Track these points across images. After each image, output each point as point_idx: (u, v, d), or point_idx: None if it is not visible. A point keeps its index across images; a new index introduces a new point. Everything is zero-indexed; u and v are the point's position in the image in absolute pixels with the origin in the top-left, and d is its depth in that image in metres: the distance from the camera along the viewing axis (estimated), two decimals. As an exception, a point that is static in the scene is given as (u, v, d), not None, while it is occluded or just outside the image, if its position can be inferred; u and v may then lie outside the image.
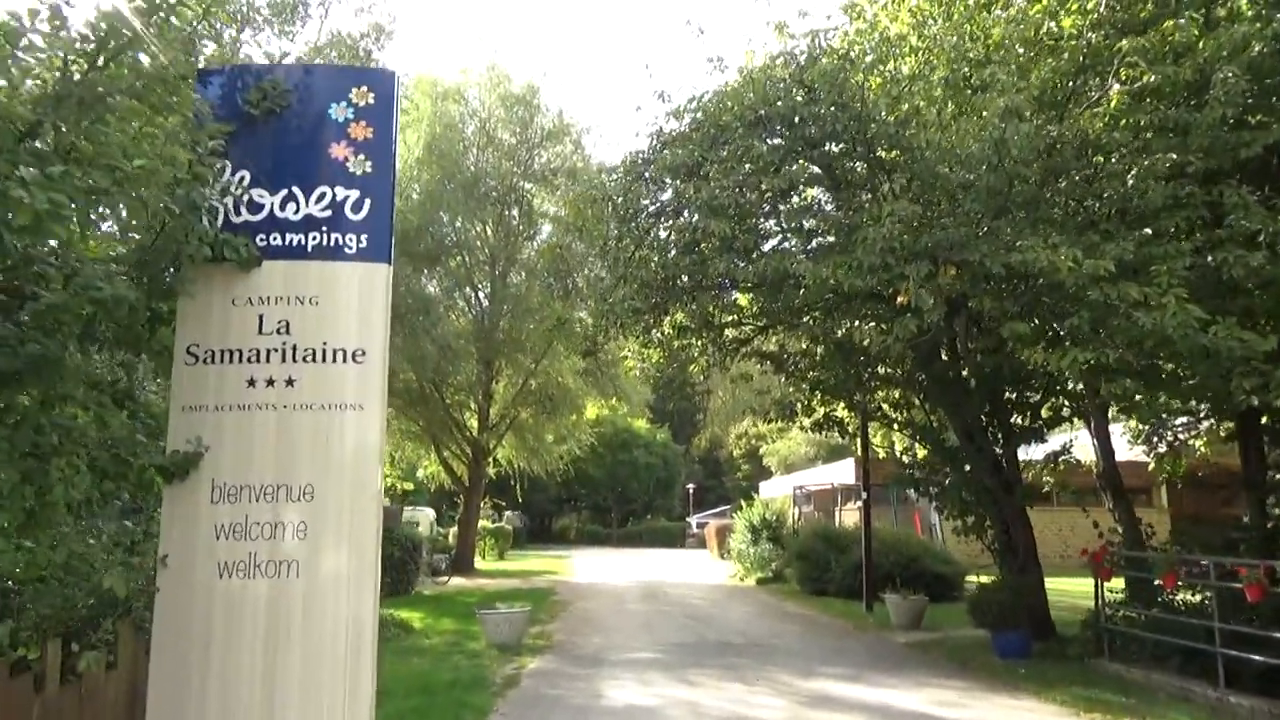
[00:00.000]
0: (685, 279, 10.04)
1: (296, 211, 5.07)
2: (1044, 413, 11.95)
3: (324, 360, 4.93)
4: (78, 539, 4.23)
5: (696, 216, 9.15)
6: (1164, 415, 19.32)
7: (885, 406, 13.75)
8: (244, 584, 4.69)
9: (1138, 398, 8.76)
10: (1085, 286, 7.70)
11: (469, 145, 30.91)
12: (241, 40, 21.05)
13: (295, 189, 5.09)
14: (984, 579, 12.11)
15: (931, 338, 9.74)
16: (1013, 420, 11.72)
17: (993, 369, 10.59)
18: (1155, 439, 20.55)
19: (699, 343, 12.94)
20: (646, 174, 10.19)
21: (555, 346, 31.17)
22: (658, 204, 10.21)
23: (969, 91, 9.21)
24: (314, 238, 5.05)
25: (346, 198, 5.11)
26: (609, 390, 32.87)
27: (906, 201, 8.33)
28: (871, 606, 16.90)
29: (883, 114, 8.98)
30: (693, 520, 57.72)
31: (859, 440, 16.50)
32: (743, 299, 12.60)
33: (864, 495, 17.76)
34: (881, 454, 26.27)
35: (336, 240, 5.07)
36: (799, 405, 13.88)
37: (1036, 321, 8.53)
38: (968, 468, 11.93)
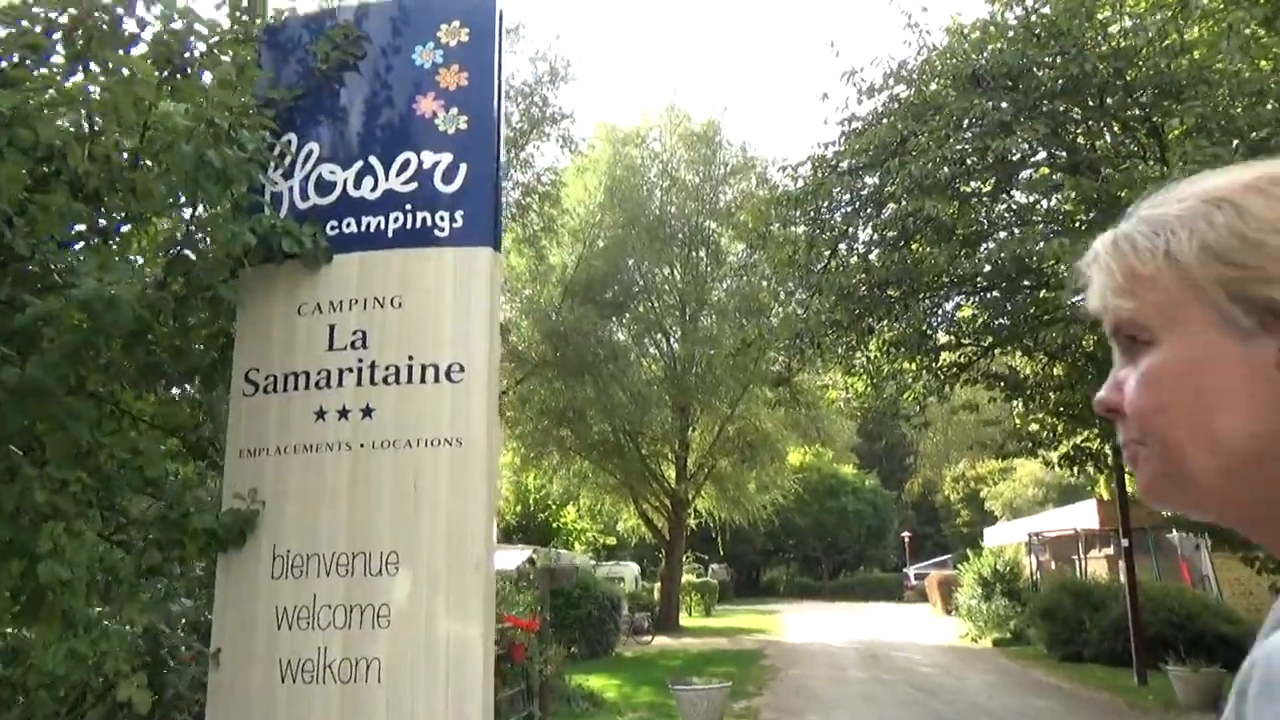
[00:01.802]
0: (893, 286, 8.29)
1: (374, 188, 3.87)
2: None
3: (408, 380, 3.65)
4: (94, 633, 3.09)
5: (904, 201, 7.40)
6: None
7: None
8: (310, 691, 3.43)
9: None
10: None
11: (652, 188, 30.31)
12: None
13: (372, 159, 3.90)
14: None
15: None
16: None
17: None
18: None
19: (912, 366, 11.01)
20: (839, 165, 8.56)
21: (752, 390, 29.71)
22: (855, 198, 8.52)
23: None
24: (395, 219, 3.82)
25: (436, 164, 3.85)
26: (811, 433, 30.85)
27: (1194, 146, 6.24)
28: (1145, 677, 13.98)
29: (1149, 45, 6.94)
30: (910, 571, 53.78)
31: (1115, 474, 13.80)
32: (965, 310, 10.62)
33: (1125, 541, 14.89)
34: (1132, 493, 22.73)
35: (424, 220, 3.81)
36: (1043, 435, 11.57)
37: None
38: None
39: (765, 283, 15.70)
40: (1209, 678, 11.82)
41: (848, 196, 8.52)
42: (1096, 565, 26.15)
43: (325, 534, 3.56)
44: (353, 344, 3.71)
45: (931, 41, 8.73)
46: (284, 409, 3.73)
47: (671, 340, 30.16)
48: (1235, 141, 6.41)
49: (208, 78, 3.66)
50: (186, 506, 3.65)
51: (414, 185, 3.84)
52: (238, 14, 3.90)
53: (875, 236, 8.42)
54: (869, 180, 8.61)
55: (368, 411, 3.60)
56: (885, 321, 9.66)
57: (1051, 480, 52.29)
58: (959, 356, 12.44)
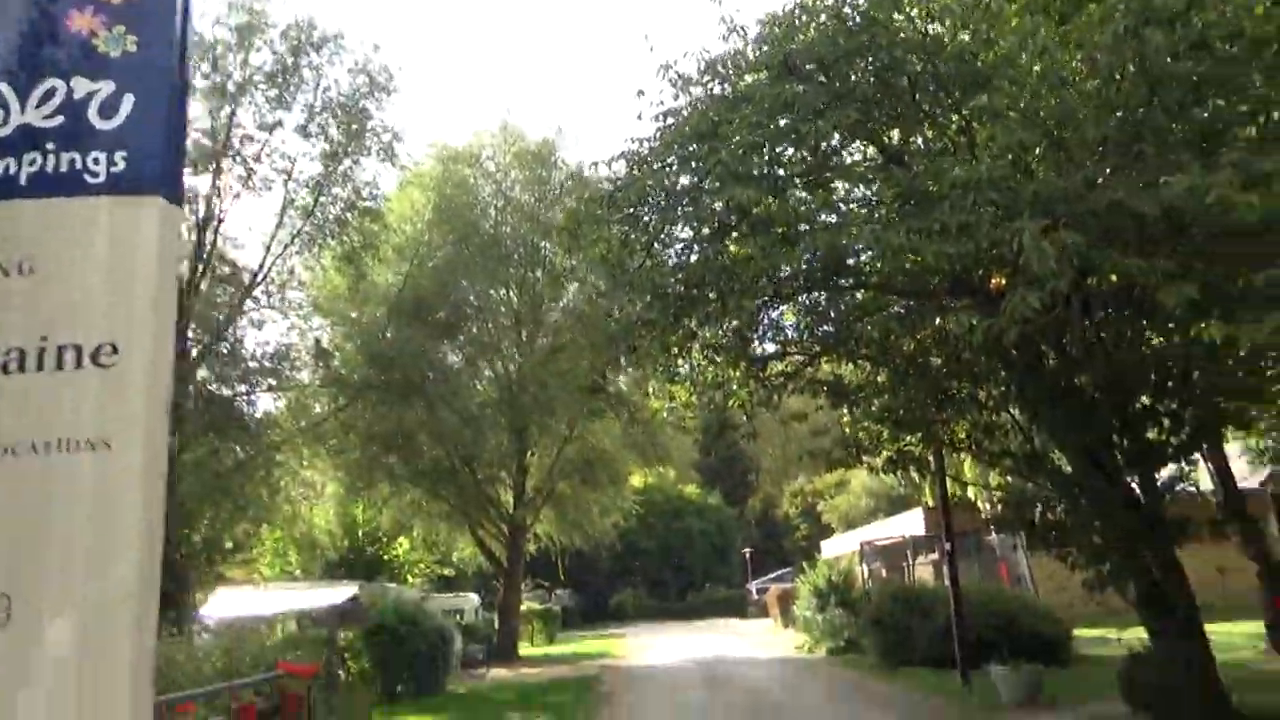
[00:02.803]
0: (710, 286, 7.87)
1: (4, 122, 2.95)
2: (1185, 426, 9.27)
3: (37, 366, 2.74)
4: None
5: (718, 191, 6.96)
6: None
7: (971, 435, 11.22)
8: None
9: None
10: (1281, 222, 5.42)
11: (485, 207, 29.48)
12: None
13: (1, 86, 2.98)
14: (1109, 634, 9.42)
15: (1038, 332, 7.43)
16: (1150, 437, 9.16)
17: (1118, 371, 8.19)
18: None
19: (736, 374, 10.69)
20: (653, 162, 8.11)
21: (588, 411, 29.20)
22: (670, 194, 8.06)
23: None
24: (32, 161, 2.92)
25: (92, 94, 2.98)
26: (649, 452, 30.55)
27: (1003, 130, 6.10)
28: (968, 678, 14.18)
29: (955, 36, 6.84)
30: (752, 586, 54.49)
31: (936, 480, 13.99)
32: (789, 315, 10.40)
33: (947, 545, 15.14)
34: (954, 500, 23.57)
35: (72, 163, 2.93)
36: (865, 442, 11.49)
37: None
38: (1083, 503, 9.40)
39: (599, 298, 15.19)
40: (1029, 676, 12.02)
41: (662, 193, 8.07)
42: (924, 570, 27.02)
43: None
44: (-32, 321, 2.79)
45: (749, 35, 8.48)
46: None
47: (507, 363, 29.25)
48: (1039, 132, 6.36)
49: None
50: None
51: (59, 120, 2.97)
52: None
53: (691, 234, 8.00)
54: (683, 179, 8.22)
55: (-18, 409, 2.69)
56: (706, 327, 9.26)
57: (882, 491, 54.43)
58: (786, 366, 12.26)
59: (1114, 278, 8.17)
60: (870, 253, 7.42)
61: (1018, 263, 6.16)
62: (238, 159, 19.92)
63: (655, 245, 8.18)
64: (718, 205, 7.42)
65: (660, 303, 7.67)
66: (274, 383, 21.43)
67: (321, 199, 20.31)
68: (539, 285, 29.00)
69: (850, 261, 8.05)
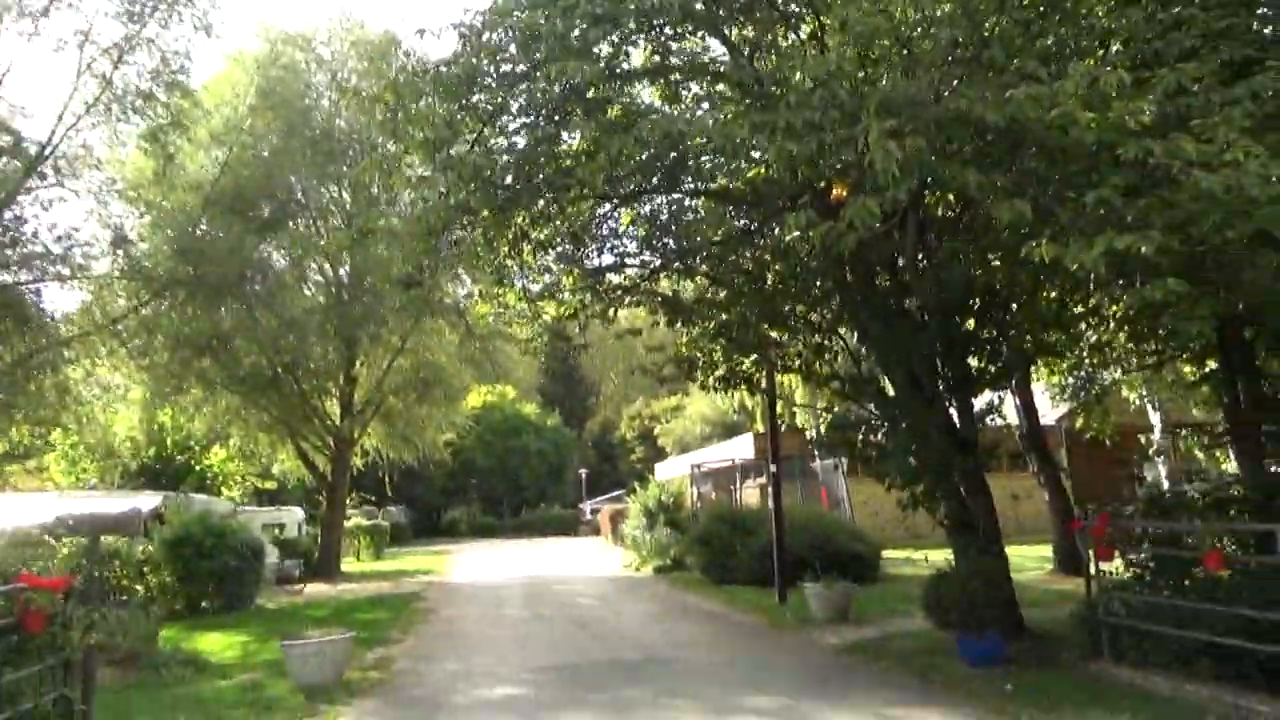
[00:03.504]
0: (542, 179, 7.25)
1: None
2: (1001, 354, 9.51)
3: None
4: None
5: (553, 66, 6.27)
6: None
7: (802, 356, 11.20)
8: None
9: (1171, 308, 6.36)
10: (1115, 143, 5.32)
11: (318, 97, 27.25)
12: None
13: None
14: (915, 555, 9.72)
15: (873, 245, 7.26)
16: (970, 364, 9.35)
17: (945, 296, 8.20)
18: (1083, 392, 18.98)
19: (569, 280, 10.18)
20: (487, 34, 7.31)
21: (424, 322, 28.03)
22: (504, 77, 7.31)
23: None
24: None
25: None
26: (487, 369, 29.79)
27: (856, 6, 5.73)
28: (785, 596, 14.58)
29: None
30: (586, 506, 55.11)
31: (765, 401, 14.06)
32: (626, 218, 9.92)
33: (773, 468, 15.35)
34: (782, 425, 24.16)
35: None
36: (699, 360, 11.29)
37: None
38: (903, 425, 9.52)
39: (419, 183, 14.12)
40: (840, 594, 12.36)
41: (494, 74, 7.32)
42: (751, 494, 27.81)
43: None
44: None
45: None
46: None
47: (337, 266, 27.52)
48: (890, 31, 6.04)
49: None
50: None
51: None
52: None
53: (523, 120, 7.31)
54: (519, 64, 7.47)
55: None
56: (537, 226, 8.66)
57: (717, 418, 55.84)
58: (623, 279, 11.84)
59: (951, 197, 8.13)
60: (710, 155, 6.99)
61: (861, 166, 5.88)
62: (22, 12, 17.44)
63: (485, 131, 7.44)
64: (556, 89, 6.78)
65: (485, 191, 7.00)
66: (64, 271, 19.23)
67: (122, 66, 18.09)
68: (374, 185, 27.26)
69: (690, 163, 7.61)
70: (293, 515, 33.70)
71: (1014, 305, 8.64)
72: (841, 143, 5.52)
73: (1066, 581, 16.28)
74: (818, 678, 8.56)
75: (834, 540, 17.02)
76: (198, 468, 30.35)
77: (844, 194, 5.83)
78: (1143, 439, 31.22)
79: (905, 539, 27.92)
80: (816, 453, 27.03)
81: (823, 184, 7.06)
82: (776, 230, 8.80)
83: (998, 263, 7.14)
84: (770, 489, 15.48)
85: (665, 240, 10.92)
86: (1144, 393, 21.76)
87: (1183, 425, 26.75)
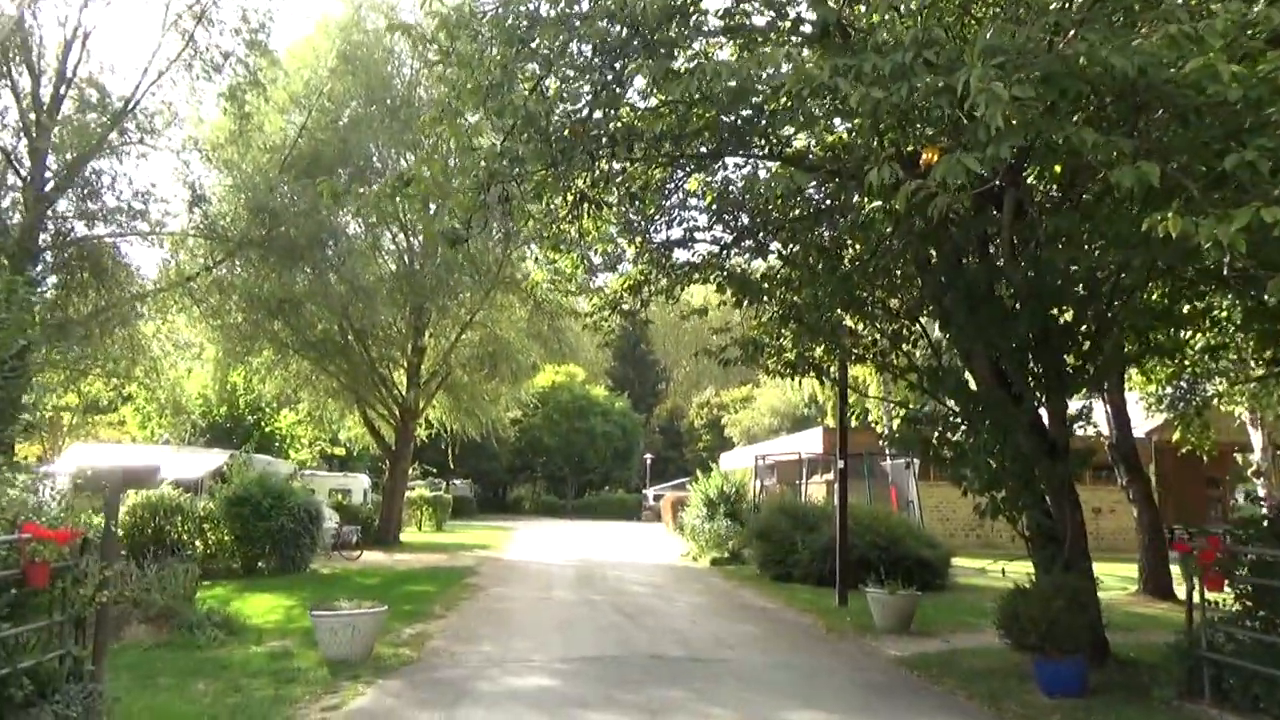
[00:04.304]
0: (604, 132, 6.63)
1: None
2: (1102, 351, 8.52)
3: None
4: None
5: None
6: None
7: (877, 344, 10.36)
8: None
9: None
10: (1264, 101, 4.49)
11: (400, 64, 27.12)
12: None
13: None
14: (988, 565, 8.83)
15: (963, 225, 6.50)
16: (1064, 359, 8.43)
17: (1042, 281, 7.34)
18: (1182, 403, 17.63)
19: (631, 248, 9.58)
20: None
21: (494, 297, 27.80)
22: (562, 16, 6.70)
23: None
24: None
25: None
26: (554, 346, 29.41)
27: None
28: (845, 599, 13.81)
29: None
30: (649, 492, 54.73)
31: (836, 392, 13.26)
32: (693, 184, 9.25)
33: (839, 463, 14.54)
34: (853, 421, 23.17)
35: None
36: (766, 343, 10.58)
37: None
38: (986, 423, 8.66)
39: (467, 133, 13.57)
40: (905, 601, 11.55)
41: (553, 12, 6.72)
42: (816, 489, 26.89)
43: None
44: None
45: None
46: None
47: (410, 235, 27.43)
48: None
49: None
50: None
51: None
52: None
53: (586, 61, 6.69)
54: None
55: None
56: (598, 188, 8.06)
57: (787, 410, 54.82)
58: (691, 254, 11.21)
59: (1056, 169, 7.27)
60: (785, 107, 6.26)
61: (957, 122, 5.13)
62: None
63: (543, 79, 6.87)
64: (618, 29, 6.15)
65: (539, 142, 6.43)
66: (143, 227, 19.40)
67: (205, 23, 18.10)
68: (452, 156, 27.03)
69: (763, 121, 6.92)
70: (359, 482, 34.06)
71: (1120, 297, 7.72)
72: (935, 92, 4.78)
73: (1152, 605, 15.15)
74: (874, 695, 7.83)
75: (901, 543, 16.18)
76: (267, 429, 30.76)
77: (935, 158, 5.07)
78: (1239, 458, 29.34)
79: (977, 547, 26.75)
80: (888, 451, 26.06)
81: (910, 149, 6.29)
82: (856, 199, 8.03)
83: (1106, 245, 6.27)
84: (836, 485, 14.67)
85: (737, 214, 10.21)
86: (1247, 408, 20.23)
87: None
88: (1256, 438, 22.20)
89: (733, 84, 5.18)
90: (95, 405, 29.75)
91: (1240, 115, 4.85)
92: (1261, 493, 23.03)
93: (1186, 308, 8.93)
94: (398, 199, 7.12)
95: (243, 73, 18.85)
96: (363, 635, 8.50)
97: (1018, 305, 7.93)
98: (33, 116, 17.91)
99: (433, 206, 8.22)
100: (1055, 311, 8.03)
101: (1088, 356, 8.21)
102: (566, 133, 6.75)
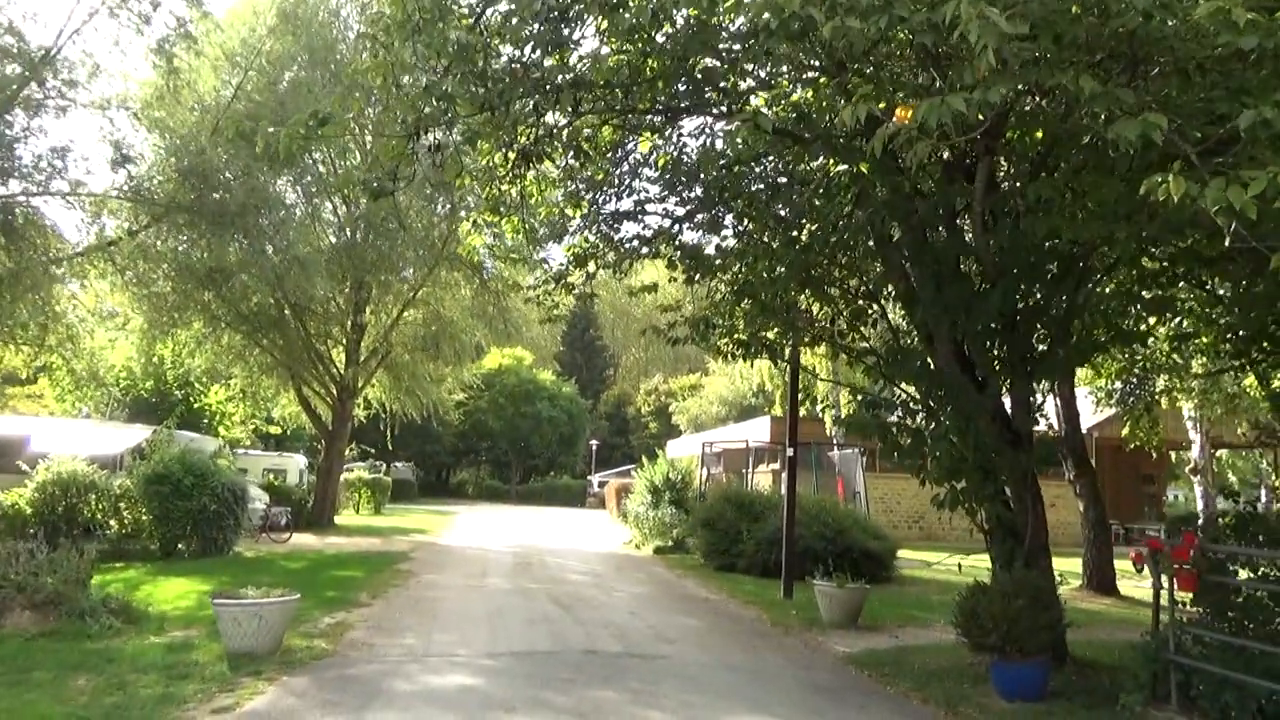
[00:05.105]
0: (546, 64, 5.96)
1: None
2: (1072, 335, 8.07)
3: None
4: None
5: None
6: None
7: (834, 322, 9.83)
8: None
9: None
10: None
11: (346, 27, 25.96)
12: None
13: None
14: (930, 557, 8.39)
15: (929, 201, 5.95)
16: (1032, 343, 7.96)
17: (1015, 257, 6.85)
18: (1133, 398, 17.52)
19: (577, 214, 8.92)
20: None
21: (438, 273, 26.89)
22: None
23: None
24: None
25: None
26: (499, 326, 28.54)
27: None
28: (791, 591, 13.37)
29: None
30: (595, 479, 54.17)
31: (788, 375, 12.78)
32: (645, 143, 8.63)
33: (789, 450, 14.07)
34: (801, 411, 22.82)
35: None
36: (718, 323, 10.01)
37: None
38: (947, 409, 8.16)
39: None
40: (853, 595, 11.11)
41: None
42: (763, 478, 26.56)
43: None
44: None
45: None
46: None
47: (353, 207, 26.32)
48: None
49: None
50: None
51: None
52: None
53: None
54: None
55: None
56: (542, 141, 7.37)
57: (735, 399, 54.54)
58: (642, 229, 10.58)
59: (1039, 135, 6.79)
60: (749, 49, 5.64)
61: (940, 61, 4.57)
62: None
63: (486, 13, 6.17)
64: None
65: (474, 80, 5.73)
66: (61, 186, 18.17)
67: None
68: (397, 124, 25.93)
69: (724, 68, 6.31)
70: (294, 462, 32.93)
71: (1093, 278, 7.29)
72: (918, 27, 4.22)
73: (1097, 600, 15.01)
74: (823, 697, 7.32)
75: (847, 534, 15.82)
76: (195, 405, 29.47)
77: (908, 117, 4.49)
78: (1173, 456, 29.68)
79: (919, 539, 26.66)
80: (835, 441, 25.78)
81: (883, 105, 5.73)
82: (820, 160, 7.46)
83: (1089, 217, 5.77)
84: (785, 474, 14.21)
85: (690, 186, 9.60)
86: (1189, 406, 20.26)
87: (1226, 445, 25.19)
88: (1196, 436, 22.34)
89: (692, 11, 4.56)
90: (13, 377, 28.25)
91: (1255, 68, 4.37)
92: (1199, 490, 23.26)
93: (1148, 295, 8.57)
94: (311, 141, 6.32)
95: (173, 24, 17.71)
96: (270, 626, 7.76)
97: (985, 285, 7.45)
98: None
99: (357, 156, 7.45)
100: (1024, 291, 7.57)
101: (1056, 341, 7.77)
102: (505, 77, 6.06)
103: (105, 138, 18.83)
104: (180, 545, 16.85)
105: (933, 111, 4.03)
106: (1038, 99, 5.66)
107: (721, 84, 6.73)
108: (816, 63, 6.41)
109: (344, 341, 27.48)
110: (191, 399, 29.46)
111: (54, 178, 18.06)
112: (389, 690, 6.76)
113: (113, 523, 16.98)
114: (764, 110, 7.27)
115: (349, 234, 26.27)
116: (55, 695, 6.28)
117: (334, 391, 27.20)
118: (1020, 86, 4.43)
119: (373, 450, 39.73)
